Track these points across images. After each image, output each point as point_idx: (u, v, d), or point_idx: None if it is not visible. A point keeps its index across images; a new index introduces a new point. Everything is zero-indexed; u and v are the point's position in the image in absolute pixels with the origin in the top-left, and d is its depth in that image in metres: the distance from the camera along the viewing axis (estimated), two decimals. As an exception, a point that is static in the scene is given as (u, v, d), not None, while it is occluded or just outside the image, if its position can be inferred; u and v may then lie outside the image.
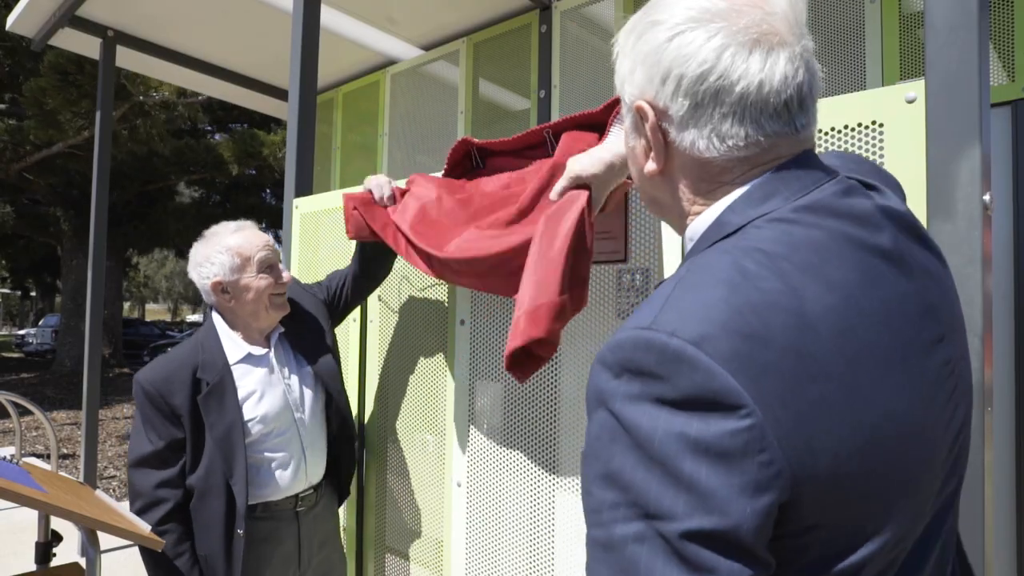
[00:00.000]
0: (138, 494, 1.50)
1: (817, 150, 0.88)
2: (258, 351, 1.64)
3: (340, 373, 1.77)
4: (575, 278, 0.95)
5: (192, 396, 1.52)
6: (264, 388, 1.62)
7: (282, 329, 1.70)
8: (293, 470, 1.64)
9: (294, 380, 1.68)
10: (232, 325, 1.65)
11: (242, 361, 1.61)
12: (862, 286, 0.55)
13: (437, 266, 1.31)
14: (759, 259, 0.54)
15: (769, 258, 0.54)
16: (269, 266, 1.62)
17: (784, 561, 0.52)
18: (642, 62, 0.63)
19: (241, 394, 1.58)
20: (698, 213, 0.64)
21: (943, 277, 0.64)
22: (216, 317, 1.65)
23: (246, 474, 1.53)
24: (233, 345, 1.62)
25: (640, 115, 0.64)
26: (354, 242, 1.73)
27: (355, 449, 1.85)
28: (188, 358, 1.56)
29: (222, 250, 1.58)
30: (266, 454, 1.61)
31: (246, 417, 1.57)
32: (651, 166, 0.65)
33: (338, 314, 1.83)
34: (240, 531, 1.53)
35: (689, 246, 0.66)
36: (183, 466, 1.53)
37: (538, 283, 0.92)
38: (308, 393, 1.70)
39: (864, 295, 0.55)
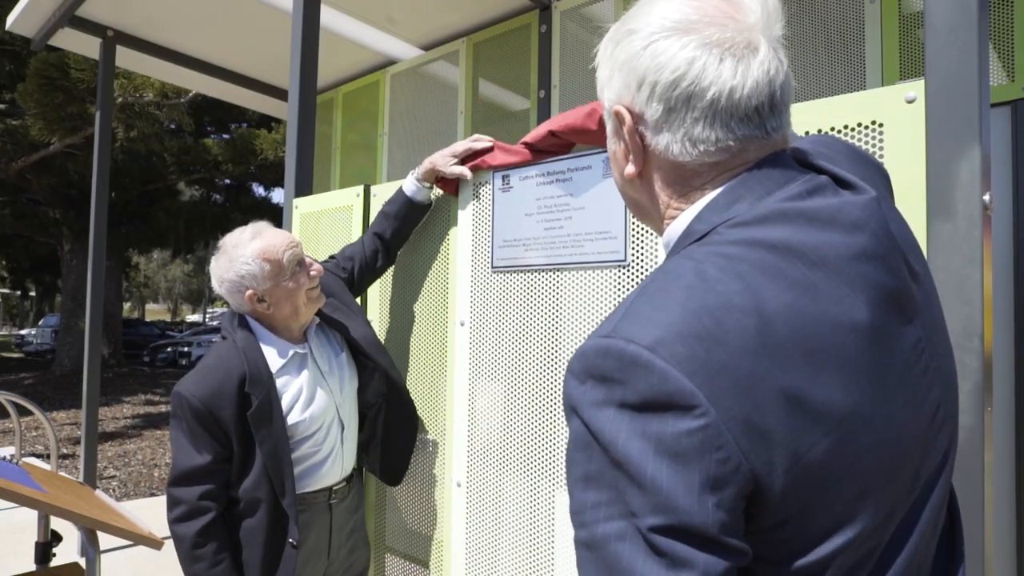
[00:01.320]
0: (180, 501, 1.49)
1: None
2: (300, 350, 1.63)
3: (379, 340, 1.77)
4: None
5: (239, 410, 1.50)
6: (309, 390, 1.62)
7: (317, 320, 1.71)
8: (331, 462, 1.66)
9: (333, 371, 1.69)
10: (271, 329, 1.63)
11: (285, 368, 1.60)
12: (823, 281, 0.56)
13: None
14: (719, 263, 0.57)
15: (729, 261, 0.57)
16: (299, 262, 1.60)
17: (757, 556, 0.54)
18: (619, 69, 0.66)
19: (287, 401, 1.57)
20: (673, 217, 0.68)
21: (911, 255, 0.64)
22: (253, 324, 1.62)
23: (295, 487, 1.55)
24: (274, 353, 1.60)
25: (618, 119, 0.67)
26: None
27: (414, 426, 1.80)
28: (234, 369, 1.51)
29: (249, 259, 1.53)
30: (309, 449, 1.62)
31: (293, 421, 1.57)
32: (630, 168, 0.69)
33: (356, 289, 1.83)
34: (292, 540, 1.53)
35: (665, 253, 0.70)
36: (227, 477, 1.53)
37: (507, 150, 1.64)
38: (346, 382, 1.71)
39: (824, 290, 0.56)
